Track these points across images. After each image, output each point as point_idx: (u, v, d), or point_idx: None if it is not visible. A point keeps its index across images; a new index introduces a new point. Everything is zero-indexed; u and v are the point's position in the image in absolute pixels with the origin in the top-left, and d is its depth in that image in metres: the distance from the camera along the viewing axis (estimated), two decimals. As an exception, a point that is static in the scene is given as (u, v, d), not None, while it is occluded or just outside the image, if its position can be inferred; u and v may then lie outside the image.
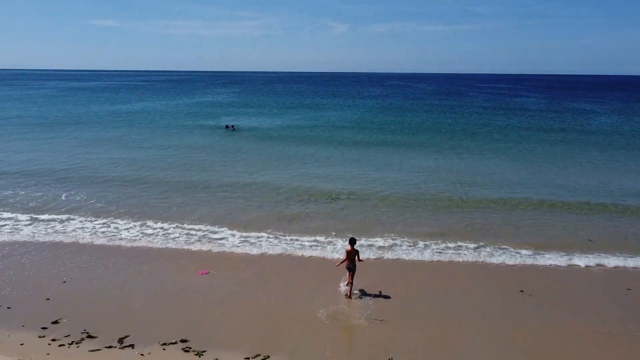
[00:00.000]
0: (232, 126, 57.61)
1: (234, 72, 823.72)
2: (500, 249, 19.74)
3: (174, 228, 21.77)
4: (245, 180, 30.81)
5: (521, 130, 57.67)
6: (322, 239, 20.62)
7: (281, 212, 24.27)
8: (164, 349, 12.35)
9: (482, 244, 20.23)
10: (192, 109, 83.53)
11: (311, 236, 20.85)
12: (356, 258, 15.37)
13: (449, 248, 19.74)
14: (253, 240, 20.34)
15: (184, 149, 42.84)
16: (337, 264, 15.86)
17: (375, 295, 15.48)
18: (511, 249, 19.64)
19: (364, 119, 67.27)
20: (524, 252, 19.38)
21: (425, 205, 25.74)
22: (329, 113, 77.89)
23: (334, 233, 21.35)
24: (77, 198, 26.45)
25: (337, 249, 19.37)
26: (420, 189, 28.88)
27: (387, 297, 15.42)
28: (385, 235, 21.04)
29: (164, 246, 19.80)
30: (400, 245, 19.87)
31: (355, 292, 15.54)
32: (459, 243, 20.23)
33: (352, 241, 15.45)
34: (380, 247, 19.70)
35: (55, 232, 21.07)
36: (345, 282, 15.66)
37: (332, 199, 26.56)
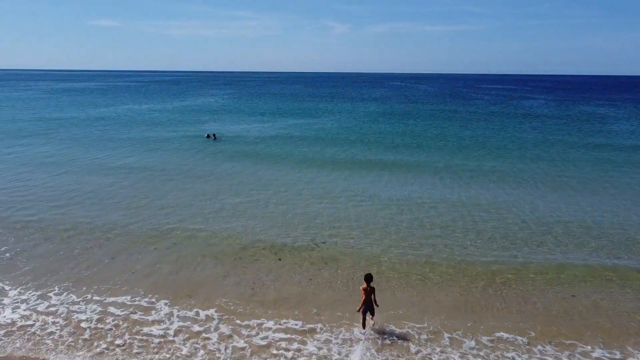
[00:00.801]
0: (214, 135, 51.36)
1: (233, 73, 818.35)
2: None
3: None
4: (194, 225, 22.81)
5: (546, 145, 49.04)
6: (296, 325, 14.33)
7: (240, 278, 17.80)
8: None
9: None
10: (176, 115, 77.19)
11: (283, 320, 14.58)
12: (373, 298, 13.65)
13: None
14: (197, 328, 14.03)
15: (136, 171, 34.93)
16: (358, 308, 13.70)
17: None
18: None
19: (363, 128, 60.15)
20: None
21: (445, 276, 17.69)
22: (324, 120, 71.52)
23: (314, 310, 15.12)
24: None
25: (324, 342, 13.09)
26: (436, 249, 20.23)
27: None
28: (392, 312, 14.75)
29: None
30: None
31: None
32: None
33: (369, 278, 13.75)
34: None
35: None
36: (364, 329, 13.59)
37: (312, 262, 18.94)
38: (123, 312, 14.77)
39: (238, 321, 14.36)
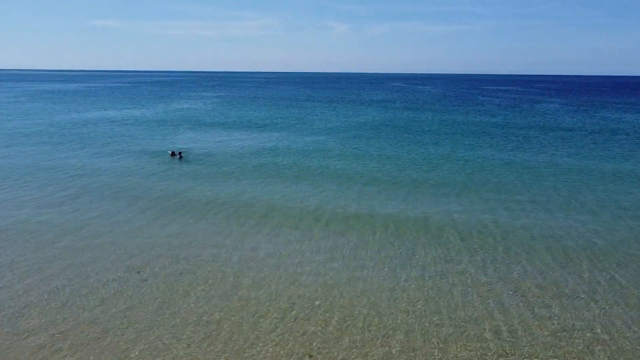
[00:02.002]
0: (179, 154, 41.70)
1: (231, 73, 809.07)
2: None
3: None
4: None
5: (591, 174, 39.97)
6: None
7: None
8: None
9: None
10: (151, 124, 67.40)
11: None
12: None
13: None
14: None
15: (68, 203, 26.63)
16: None
17: None
18: None
19: (361, 146, 49.20)
20: None
21: None
22: (316, 132, 61.68)
23: None
24: None
25: None
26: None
27: None
28: None
29: None
30: None
31: None
32: None
33: None
34: None
35: None
36: None
37: None
38: None
39: None
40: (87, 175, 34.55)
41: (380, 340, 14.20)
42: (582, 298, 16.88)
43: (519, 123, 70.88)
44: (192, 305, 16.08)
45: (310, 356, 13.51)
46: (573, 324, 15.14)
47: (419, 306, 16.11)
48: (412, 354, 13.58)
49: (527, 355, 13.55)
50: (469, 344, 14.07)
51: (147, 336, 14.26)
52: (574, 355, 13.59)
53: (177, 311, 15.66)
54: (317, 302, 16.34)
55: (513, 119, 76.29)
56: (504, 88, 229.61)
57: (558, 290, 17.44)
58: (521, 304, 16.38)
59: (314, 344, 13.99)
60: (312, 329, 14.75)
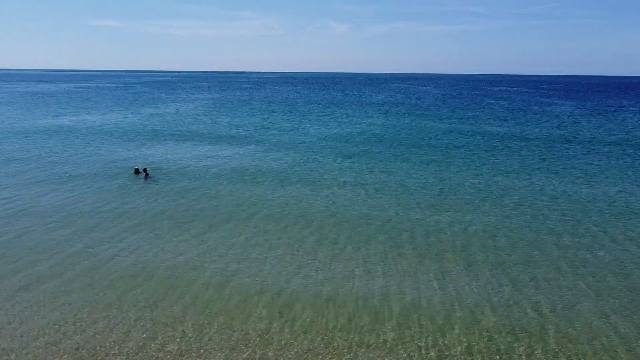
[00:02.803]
0: (145, 171, 35.03)
1: (232, 73, 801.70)
2: None
3: None
4: None
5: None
6: None
7: None
8: None
9: None
10: (127, 132, 60.77)
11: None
12: None
13: None
14: None
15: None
16: None
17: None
18: None
19: (361, 168, 41.14)
20: None
21: None
22: (310, 146, 55.03)
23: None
24: None
25: None
26: None
27: None
28: None
29: None
30: None
31: None
32: None
33: None
34: None
35: None
36: None
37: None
38: None
39: None
40: (18, 208, 27.87)
41: None
42: None
43: (538, 134, 62.70)
44: None
45: None
46: None
47: None
48: None
49: None
50: None
51: None
52: None
53: None
54: None
55: (529, 128, 68.98)
56: (507, 89, 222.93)
57: None
58: None
59: None
60: None
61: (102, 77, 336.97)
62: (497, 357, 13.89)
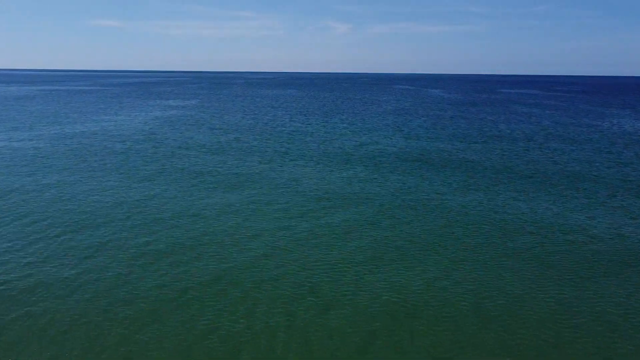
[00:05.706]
0: None
1: (232, 73, 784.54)
2: None
3: None
4: None
5: None
6: None
7: None
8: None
9: None
10: (85, 147, 38.15)
11: None
12: None
13: None
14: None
15: None
16: None
17: None
18: None
19: (360, 228, 22.95)
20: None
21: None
22: (284, 182, 32.62)
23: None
24: None
25: None
26: None
27: None
28: None
29: None
30: None
31: None
32: None
33: None
34: None
35: None
36: None
37: None
38: None
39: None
40: None
41: None
42: None
43: (632, 174, 41.06)
44: None
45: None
46: None
47: None
48: None
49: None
50: None
51: None
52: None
53: None
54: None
55: (615, 156, 46.83)
56: (522, 91, 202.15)
57: None
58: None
59: None
60: None
61: (93, 78, 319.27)
62: None
